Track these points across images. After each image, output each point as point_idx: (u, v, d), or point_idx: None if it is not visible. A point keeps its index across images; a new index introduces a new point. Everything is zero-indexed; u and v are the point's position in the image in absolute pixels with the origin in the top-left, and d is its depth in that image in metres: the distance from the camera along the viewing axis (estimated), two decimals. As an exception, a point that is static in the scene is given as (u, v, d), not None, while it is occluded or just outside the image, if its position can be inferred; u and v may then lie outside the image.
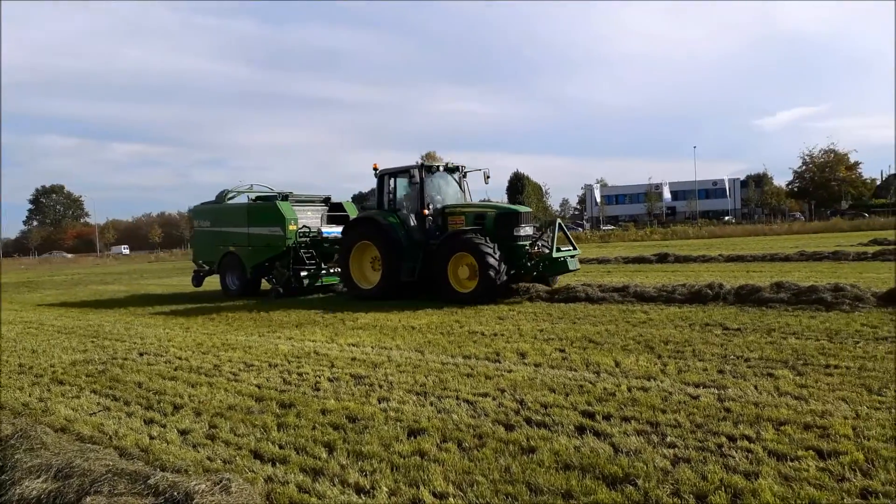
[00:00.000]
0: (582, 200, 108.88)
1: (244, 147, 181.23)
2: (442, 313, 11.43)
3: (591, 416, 5.16)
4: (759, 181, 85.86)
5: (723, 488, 3.68)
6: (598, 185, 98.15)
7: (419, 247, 13.95)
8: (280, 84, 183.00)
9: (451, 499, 3.79)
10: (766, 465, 3.97)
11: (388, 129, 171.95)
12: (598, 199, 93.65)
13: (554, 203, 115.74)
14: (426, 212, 14.04)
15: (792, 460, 4.04)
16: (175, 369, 7.86)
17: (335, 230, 17.10)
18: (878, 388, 5.44)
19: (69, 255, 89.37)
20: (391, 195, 14.85)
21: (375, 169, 15.06)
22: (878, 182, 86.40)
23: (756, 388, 5.67)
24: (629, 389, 5.84)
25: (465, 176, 15.30)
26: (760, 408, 5.09)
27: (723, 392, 5.59)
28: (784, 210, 76.23)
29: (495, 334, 9.01)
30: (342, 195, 20.17)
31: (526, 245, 13.51)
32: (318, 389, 6.48)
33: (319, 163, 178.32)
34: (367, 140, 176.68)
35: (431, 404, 5.72)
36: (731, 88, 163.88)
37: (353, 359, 7.86)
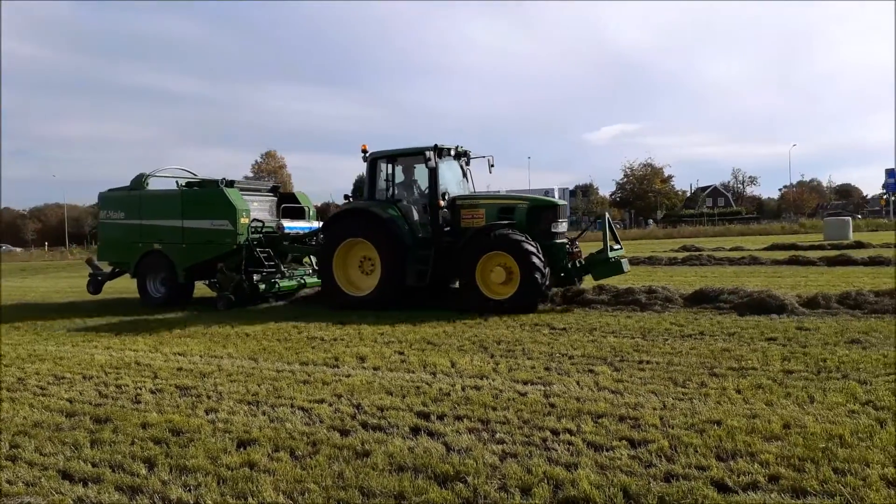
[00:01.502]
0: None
1: (57, 138, 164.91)
2: (274, 315, 11.09)
3: (426, 416, 5.24)
4: (585, 191, 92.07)
5: (545, 480, 3.87)
6: None
7: (428, 245, 11.84)
8: (97, 71, 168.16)
9: (280, 509, 3.67)
10: (584, 456, 4.24)
11: (219, 125, 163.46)
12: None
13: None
14: (442, 203, 11.90)
15: (607, 450, 4.34)
16: (-31, 385, 6.99)
17: (297, 225, 14.58)
18: (683, 381, 6.00)
19: None
20: (389, 183, 12.43)
21: (365, 151, 12.66)
22: (688, 194, 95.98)
23: (578, 383, 6.04)
24: (463, 389, 6.01)
25: (468, 163, 13.19)
26: (582, 402, 5.43)
27: (549, 388, 5.90)
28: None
29: (335, 339, 8.90)
30: None
31: (566, 243, 11.82)
32: (138, 402, 6.03)
33: (143, 158, 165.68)
34: (197, 136, 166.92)
35: (264, 413, 5.52)
36: (561, 104, 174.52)
37: (179, 369, 7.41)
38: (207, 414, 5.55)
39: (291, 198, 15.68)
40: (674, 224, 63.54)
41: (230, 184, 13.98)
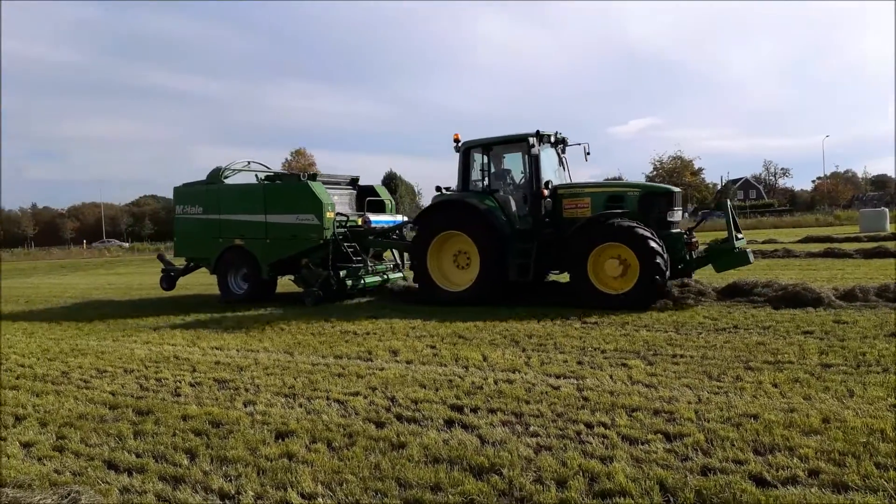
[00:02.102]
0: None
1: (80, 139, 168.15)
2: (308, 310, 11.22)
3: (459, 409, 5.28)
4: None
5: (581, 473, 3.89)
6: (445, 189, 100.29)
7: (528, 237, 11.26)
8: (119, 73, 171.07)
9: (319, 499, 3.75)
10: (619, 450, 4.24)
11: (238, 125, 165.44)
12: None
13: (427, 202, 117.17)
14: (545, 192, 11.25)
15: (642, 444, 4.34)
16: (17, 377, 7.20)
17: (383, 219, 14.12)
18: (718, 375, 5.95)
19: None
20: (484, 173, 11.90)
21: (457, 140, 12.11)
22: (718, 187, 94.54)
23: (611, 377, 6.03)
24: (496, 382, 6.04)
25: (565, 150, 12.45)
26: (615, 396, 5.42)
27: (581, 382, 5.90)
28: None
29: (368, 333, 8.99)
30: None
31: (683, 234, 11.05)
32: (178, 395, 6.18)
33: (163, 158, 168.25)
34: (214, 135, 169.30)
35: (300, 406, 5.62)
36: (586, 100, 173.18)
37: (217, 362, 7.56)
38: (246, 406, 5.66)
39: (370, 191, 15.09)
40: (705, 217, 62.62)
41: (312, 177, 13.56)
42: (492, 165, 12.02)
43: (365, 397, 5.77)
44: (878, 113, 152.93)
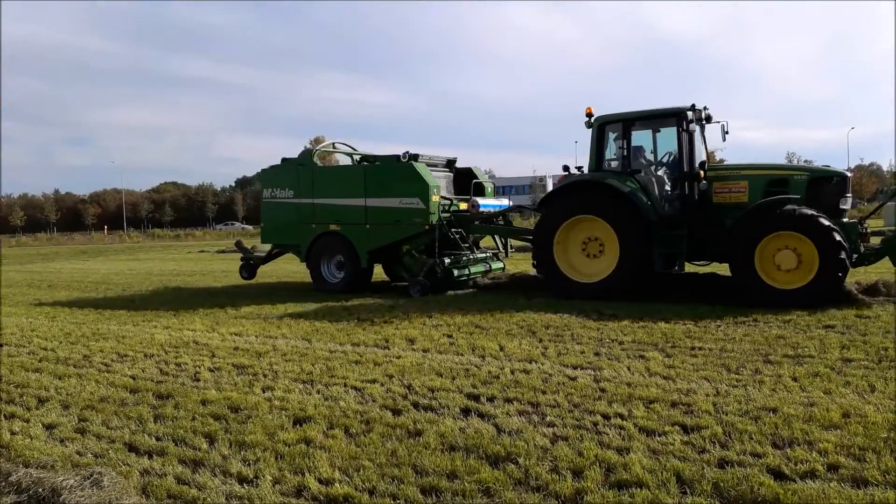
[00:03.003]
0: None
1: (110, 126, 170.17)
2: (327, 297, 11.28)
3: (475, 398, 5.30)
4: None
5: (597, 463, 3.89)
6: (487, 176, 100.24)
7: (676, 224, 10.18)
8: (150, 61, 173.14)
9: (336, 484, 3.78)
10: (636, 441, 4.24)
11: (268, 114, 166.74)
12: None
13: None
14: (702, 174, 10.04)
15: (659, 435, 4.33)
16: (40, 360, 7.33)
17: (490, 203, 13.20)
18: (736, 368, 5.91)
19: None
20: (623, 151, 10.70)
21: (589, 115, 10.95)
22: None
23: (629, 369, 6.01)
24: (512, 372, 6.04)
25: (704, 129, 11.06)
26: (632, 387, 5.41)
27: (598, 373, 5.89)
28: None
29: (385, 321, 9.02)
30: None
31: (856, 223, 9.85)
32: (197, 380, 6.25)
33: (193, 146, 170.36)
34: (245, 124, 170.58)
35: (318, 392, 5.66)
36: (605, 89, 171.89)
37: (236, 348, 7.63)
38: (264, 392, 5.72)
39: (469, 173, 13.76)
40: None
41: (414, 157, 12.41)
42: (635, 143, 10.84)
43: (382, 385, 5.80)
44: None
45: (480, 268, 12.86)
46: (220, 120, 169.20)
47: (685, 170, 10.27)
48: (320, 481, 3.84)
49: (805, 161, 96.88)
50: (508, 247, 13.82)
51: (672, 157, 10.69)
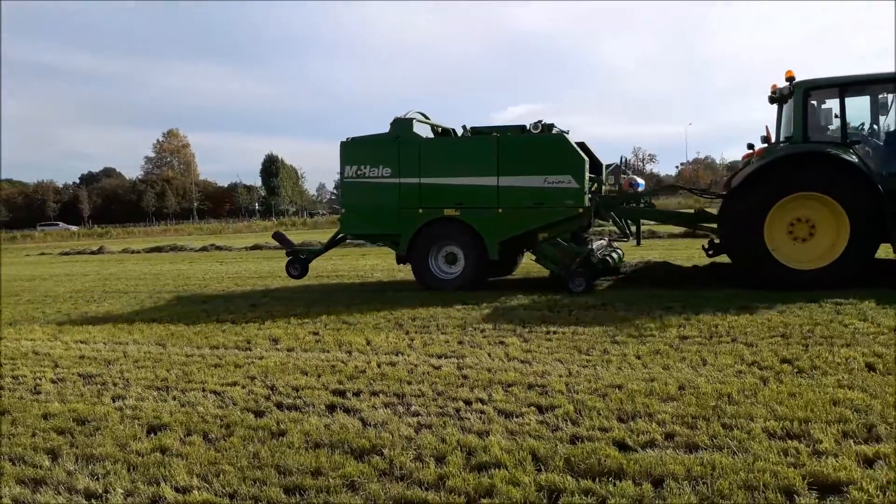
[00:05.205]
0: (338, 185, 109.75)
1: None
2: (188, 302, 10.78)
3: (341, 394, 5.29)
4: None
5: (459, 448, 4.02)
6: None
7: None
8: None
9: (195, 492, 3.64)
10: (495, 423, 4.42)
11: (117, 103, 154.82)
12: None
13: (311, 187, 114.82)
14: None
15: (517, 417, 4.54)
16: None
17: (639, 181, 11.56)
18: (587, 349, 6.30)
19: None
20: (840, 120, 9.41)
21: (791, 78, 9.68)
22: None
23: (490, 355, 6.24)
24: (379, 365, 6.09)
25: None
26: (493, 372, 5.62)
27: (461, 360, 6.07)
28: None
29: (246, 321, 8.76)
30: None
31: None
32: (38, 392, 5.78)
33: (32, 138, 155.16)
34: (92, 114, 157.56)
35: (174, 398, 5.41)
36: (469, 85, 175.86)
37: (82, 356, 7.12)
38: (114, 401, 5.39)
39: (581, 148, 10.73)
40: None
41: (548, 127, 10.64)
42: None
43: (243, 387, 5.64)
44: (734, 104, 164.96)
45: (617, 256, 11.63)
46: (61, 110, 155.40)
47: None
48: (177, 490, 3.69)
49: (649, 154, 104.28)
50: (640, 232, 12.24)
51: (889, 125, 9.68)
